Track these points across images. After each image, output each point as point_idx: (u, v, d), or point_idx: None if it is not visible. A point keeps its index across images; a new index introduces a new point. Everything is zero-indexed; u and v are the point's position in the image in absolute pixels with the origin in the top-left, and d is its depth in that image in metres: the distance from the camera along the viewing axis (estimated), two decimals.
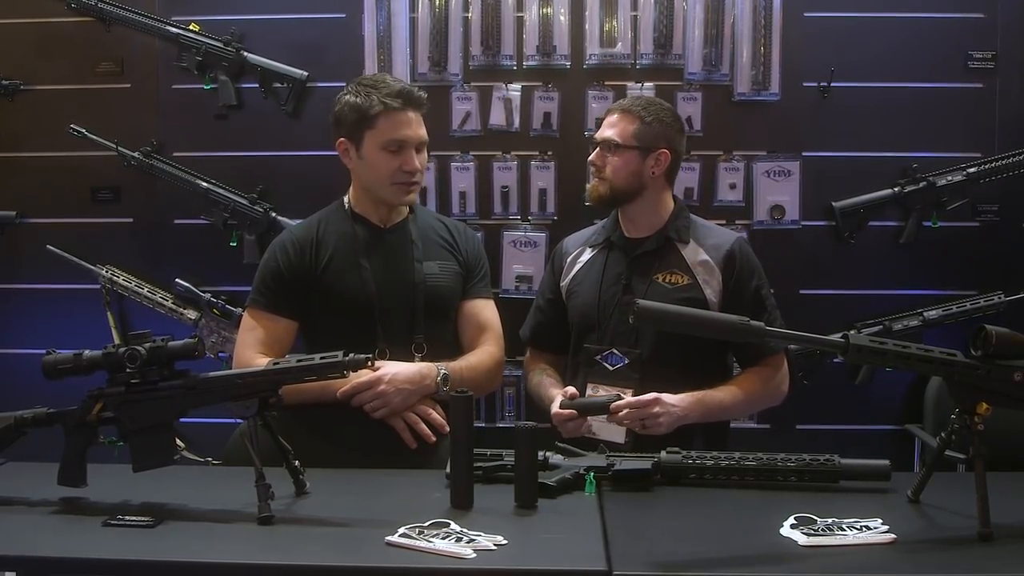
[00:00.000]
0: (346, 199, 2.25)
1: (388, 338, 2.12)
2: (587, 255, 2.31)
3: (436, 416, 2.09)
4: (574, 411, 2.05)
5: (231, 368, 2.09)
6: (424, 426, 2.07)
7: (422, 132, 2.16)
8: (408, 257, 2.19)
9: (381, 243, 2.20)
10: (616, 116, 2.22)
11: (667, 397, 2.01)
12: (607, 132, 2.21)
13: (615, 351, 2.16)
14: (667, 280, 2.18)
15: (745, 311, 2.02)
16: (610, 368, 2.16)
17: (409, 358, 2.12)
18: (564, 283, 2.32)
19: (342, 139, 2.16)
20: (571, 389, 2.11)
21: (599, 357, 2.17)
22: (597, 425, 2.12)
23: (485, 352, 2.21)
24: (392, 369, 2.06)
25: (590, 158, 2.23)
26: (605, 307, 2.21)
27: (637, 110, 2.21)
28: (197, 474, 2.19)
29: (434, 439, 2.07)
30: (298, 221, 2.40)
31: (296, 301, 2.16)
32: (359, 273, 2.15)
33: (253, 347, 2.12)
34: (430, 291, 2.17)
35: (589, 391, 2.16)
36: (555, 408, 2.09)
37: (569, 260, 2.33)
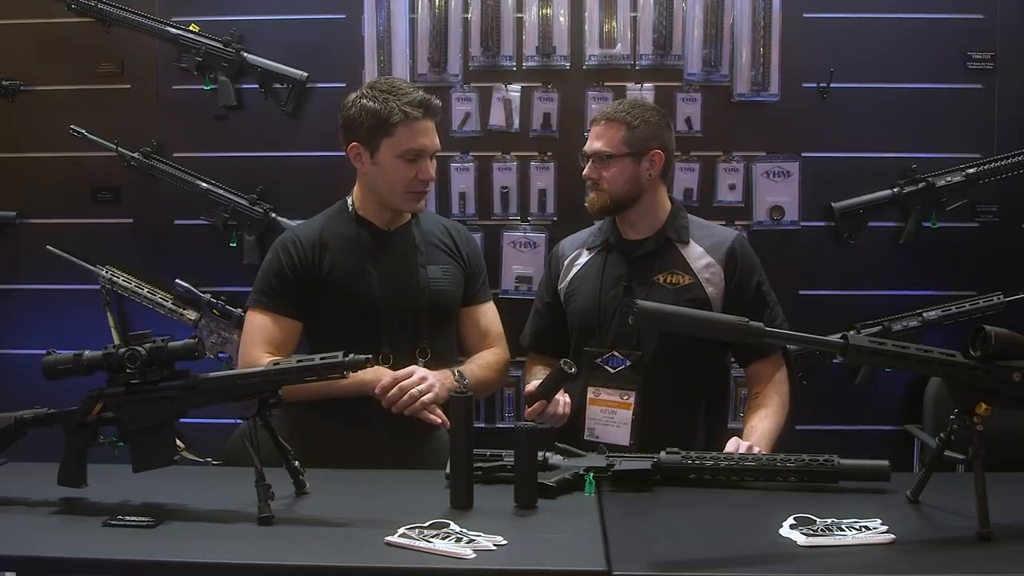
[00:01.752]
0: (349, 201, 2.22)
1: (393, 343, 2.10)
2: (585, 257, 2.29)
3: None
4: (543, 401, 2.01)
5: (232, 368, 2.08)
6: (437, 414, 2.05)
7: (437, 141, 2.14)
8: (412, 261, 2.18)
9: (386, 247, 2.18)
10: (602, 126, 2.19)
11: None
12: (596, 144, 2.18)
13: (616, 353, 2.15)
14: (668, 281, 2.17)
15: (747, 307, 2.05)
16: (611, 371, 2.15)
17: (413, 363, 2.09)
18: (562, 286, 2.31)
19: (355, 143, 2.11)
20: (530, 386, 2.07)
21: (600, 360, 2.17)
22: (600, 428, 2.12)
23: (492, 353, 2.24)
24: (419, 368, 2.05)
25: (584, 173, 2.20)
26: (605, 310, 2.19)
27: (622, 116, 2.18)
28: (197, 474, 2.19)
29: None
30: (298, 222, 2.39)
31: (300, 302, 2.14)
32: (365, 277, 2.13)
33: (259, 346, 2.09)
34: (434, 295, 2.17)
35: (590, 394, 2.16)
36: (526, 412, 2.05)
37: (566, 263, 2.32)
